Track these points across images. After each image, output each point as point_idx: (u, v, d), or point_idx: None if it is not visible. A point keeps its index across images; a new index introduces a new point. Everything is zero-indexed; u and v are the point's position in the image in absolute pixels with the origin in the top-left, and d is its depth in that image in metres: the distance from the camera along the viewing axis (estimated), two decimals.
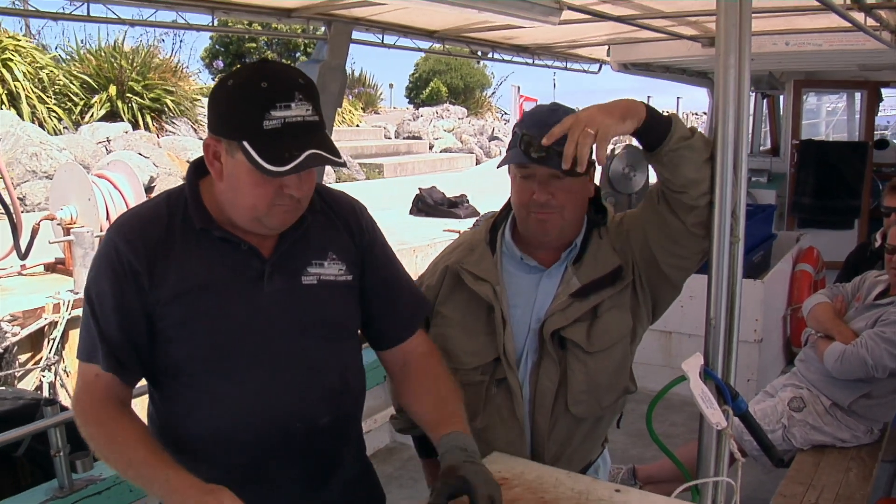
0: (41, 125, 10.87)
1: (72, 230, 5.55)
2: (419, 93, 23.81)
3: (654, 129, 1.50)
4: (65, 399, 4.70)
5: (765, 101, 6.95)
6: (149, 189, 10.37)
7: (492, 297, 1.69)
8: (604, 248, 1.71)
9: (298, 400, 1.38)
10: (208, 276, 1.33)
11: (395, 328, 1.55)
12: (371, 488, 1.62)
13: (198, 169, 1.37)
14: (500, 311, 1.68)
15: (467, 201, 10.62)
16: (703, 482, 1.67)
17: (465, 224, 8.22)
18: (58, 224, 5.95)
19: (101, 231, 5.87)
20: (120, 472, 1.28)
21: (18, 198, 9.46)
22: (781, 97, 6.80)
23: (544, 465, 1.60)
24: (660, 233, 1.63)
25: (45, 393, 4.57)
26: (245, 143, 1.21)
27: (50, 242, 5.74)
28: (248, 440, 1.35)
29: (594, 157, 1.52)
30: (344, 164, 1.27)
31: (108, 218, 5.98)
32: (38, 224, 5.96)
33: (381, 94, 23.02)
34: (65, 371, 4.89)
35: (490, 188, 11.64)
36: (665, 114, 1.56)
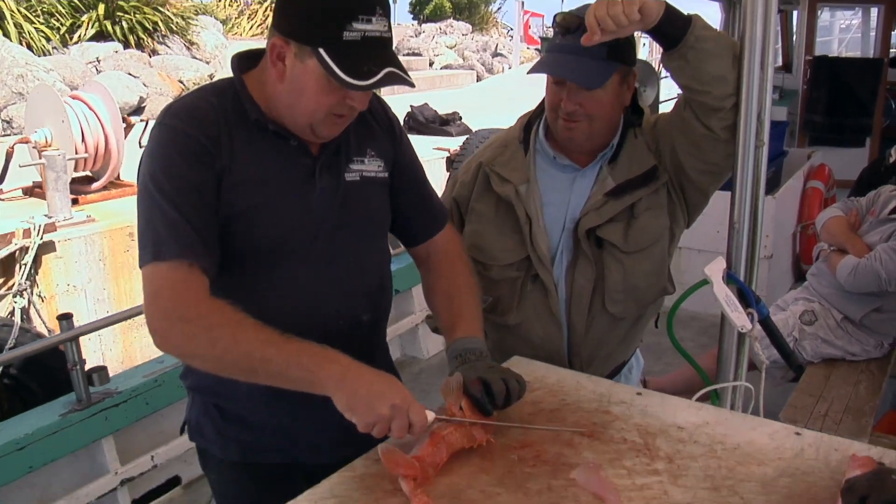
0: (29, 46, 10.56)
1: (43, 154, 5.42)
2: (423, 8, 23.14)
3: (676, 20, 1.48)
4: (38, 325, 4.71)
5: (777, 16, 6.73)
6: (138, 109, 10.20)
7: (513, 197, 1.68)
8: (639, 148, 1.69)
9: (343, 296, 1.39)
10: (264, 170, 1.31)
11: (427, 223, 1.56)
12: None
13: (240, 63, 1.35)
14: (524, 211, 1.68)
15: (459, 119, 10.31)
16: (723, 387, 1.68)
17: (457, 142, 8.05)
18: (33, 147, 5.81)
19: (76, 153, 5.74)
20: (255, 356, 1.17)
21: (5, 120, 9.30)
22: (795, 12, 6.59)
23: (565, 369, 1.60)
24: (685, 139, 1.61)
25: (18, 319, 4.57)
26: (322, 52, 1.19)
27: (20, 166, 5.60)
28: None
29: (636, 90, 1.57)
30: (413, 85, 1.24)
31: (83, 140, 5.82)
32: (13, 147, 5.83)
33: None
34: (39, 296, 4.88)
35: (489, 105, 11.41)
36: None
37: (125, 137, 6.12)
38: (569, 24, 1.57)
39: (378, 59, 1.21)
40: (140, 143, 6.43)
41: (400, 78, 1.23)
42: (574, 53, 1.55)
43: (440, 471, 1.18)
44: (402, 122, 1.58)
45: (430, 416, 1.19)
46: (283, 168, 1.33)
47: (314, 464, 1.23)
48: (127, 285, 5.21)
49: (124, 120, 6.21)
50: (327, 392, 1.15)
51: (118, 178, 6.18)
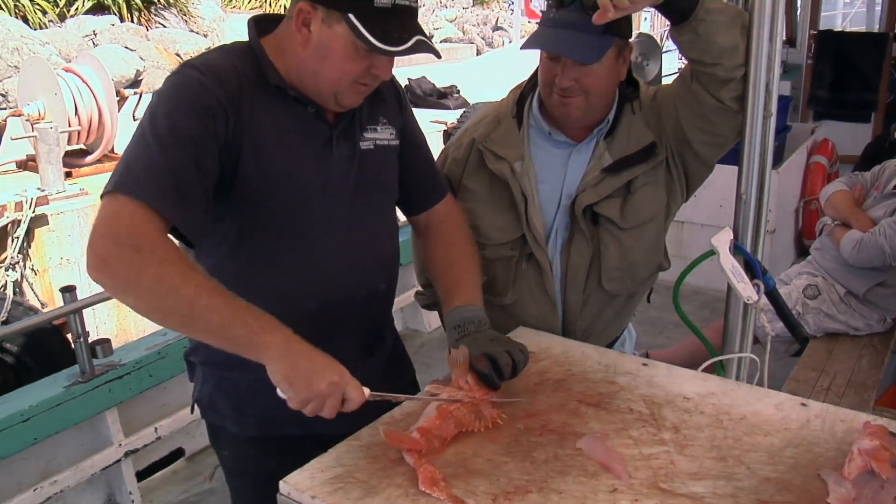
0: (25, 19, 10.44)
1: (36, 126, 5.41)
2: None
3: None
4: (31, 298, 4.70)
5: None
6: (135, 83, 10.13)
7: (508, 175, 1.65)
8: (637, 123, 1.66)
9: (362, 266, 1.40)
10: (282, 136, 1.29)
11: (429, 192, 1.56)
12: (404, 359, 1.65)
13: (257, 27, 1.33)
14: (520, 188, 1.65)
15: (457, 92, 10.29)
16: (729, 358, 1.68)
17: (454, 115, 8.02)
18: (26, 120, 5.77)
19: (69, 126, 5.68)
20: (200, 303, 1.09)
21: (1, 94, 9.24)
22: None
23: (570, 340, 1.60)
24: (692, 111, 1.58)
25: (10, 292, 4.56)
26: (351, 17, 1.19)
27: (13, 139, 5.58)
28: (314, 308, 1.34)
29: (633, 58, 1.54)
30: (440, 55, 1.25)
31: (76, 113, 5.78)
32: (5, 121, 5.80)
33: None
34: (32, 269, 4.88)
35: (488, 79, 11.35)
36: None
37: (119, 110, 6.07)
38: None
39: (408, 26, 1.22)
40: (134, 116, 6.39)
41: (428, 46, 1.23)
42: (569, 27, 1.51)
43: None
44: None
45: (366, 392, 1.15)
46: (302, 135, 1.32)
47: (331, 434, 1.22)
48: None
49: (118, 93, 6.16)
50: (264, 358, 1.10)
51: (112, 151, 6.14)
